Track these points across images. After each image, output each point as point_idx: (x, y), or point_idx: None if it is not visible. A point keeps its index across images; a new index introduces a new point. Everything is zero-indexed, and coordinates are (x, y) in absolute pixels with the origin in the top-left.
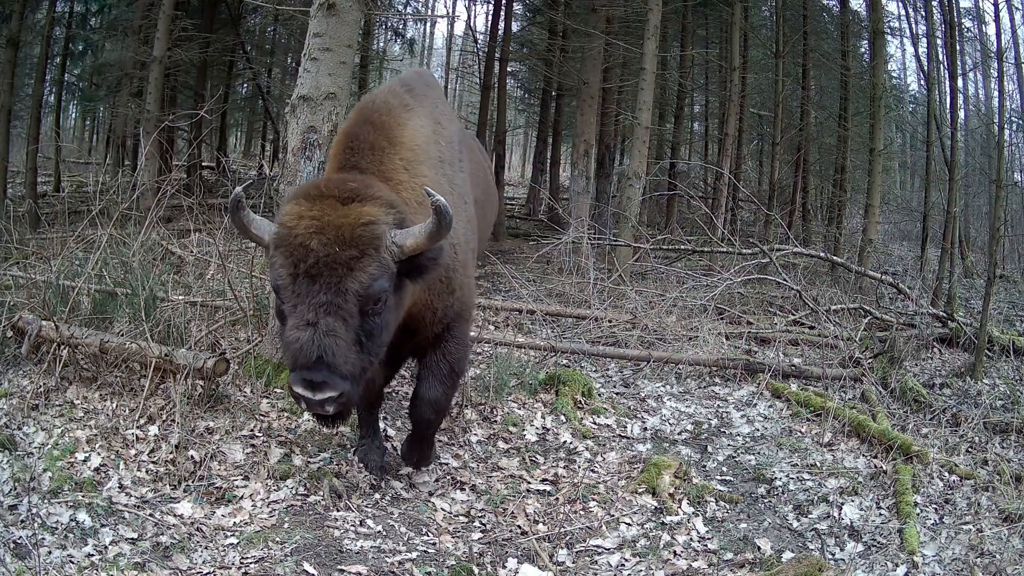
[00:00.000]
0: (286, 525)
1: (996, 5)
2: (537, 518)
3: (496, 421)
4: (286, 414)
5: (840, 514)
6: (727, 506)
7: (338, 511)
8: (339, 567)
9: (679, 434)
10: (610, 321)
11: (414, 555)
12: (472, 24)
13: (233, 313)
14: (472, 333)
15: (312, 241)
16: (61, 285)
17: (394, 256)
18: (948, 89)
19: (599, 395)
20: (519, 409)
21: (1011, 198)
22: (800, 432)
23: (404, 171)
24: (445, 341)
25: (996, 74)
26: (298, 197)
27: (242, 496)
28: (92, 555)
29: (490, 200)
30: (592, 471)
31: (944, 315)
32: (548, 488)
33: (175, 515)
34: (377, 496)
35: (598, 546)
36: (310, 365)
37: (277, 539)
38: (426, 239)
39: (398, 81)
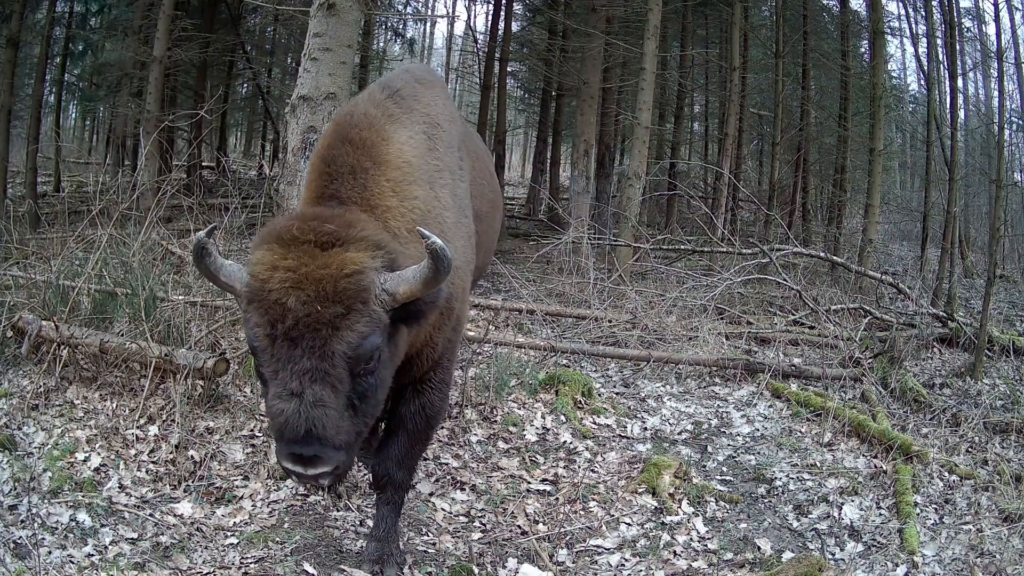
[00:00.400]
0: (286, 525)
1: (996, 5)
2: (537, 518)
3: (496, 421)
4: None
5: (840, 514)
6: (727, 506)
7: (338, 511)
8: (339, 567)
9: (679, 434)
10: (610, 321)
11: (414, 555)
12: (472, 24)
13: (233, 313)
14: (471, 333)
15: (289, 298)
16: (61, 285)
17: (385, 305)
18: (948, 89)
19: (599, 395)
20: (519, 409)
21: (1011, 198)
22: (800, 432)
23: (392, 195)
24: (428, 383)
25: (996, 74)
26: (270, 241)
27: (242, 496)
28: (92, 555)
29: (495, 209)
30: (592, 471)
31: (944, 315)
32: (548, 488)
33: (175, 515)
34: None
35: (598, 546)
36: (299, 440)
37: (277, 539)
38: (421, 285)
39: (379, 86)
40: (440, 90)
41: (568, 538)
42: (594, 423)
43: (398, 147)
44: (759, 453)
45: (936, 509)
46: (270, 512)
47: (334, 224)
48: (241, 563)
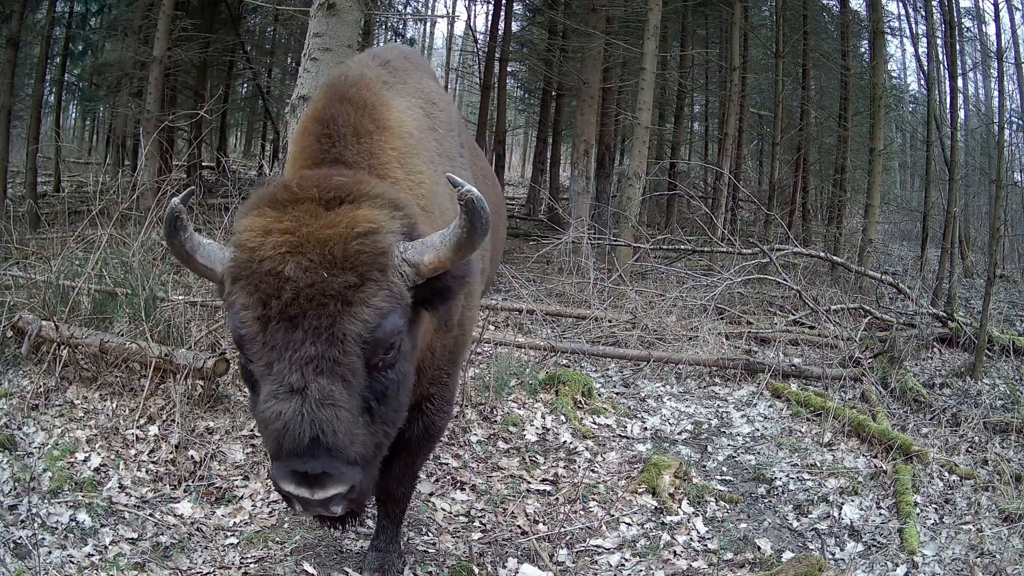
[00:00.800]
0: (286, 525)
1: (996, 5)
2: (537, 518)
3: (496, 421)
4: None
5: (840, 514)
6: (727, 506)
7: None
8: (339, 567)
9: (679, 434)
10: (610, 321)
11: (414, 555)
12: (472, 24)
13: None
14: (472, 333)
15: (287, 266)
16: (61, 285)
17: (407, 279)
18: (948, 89)
19: (599, 395)
20: (519, 409)
21: (1011, 198)
22: (800, 432)
23: (399, 166)
24: (430, 402)
25: (996, 74)
26: (260, 205)
27: (242, 496)
28: (92, 555)
29: (498, 215)
30: (592, 471)
31: (944, 315)
32: (548, 488)
33: (175, 515)
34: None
35: (598, 546)
36: (302, 452)
37: (277, 539)
38: (452, 251)
39: (368, 55)
40: (430, 74)
41: (568, 538)
42: (594, 423)
43: (398, 114)
44: (759, 453)
45: (936, 509)
46: (270, 512)
47: (343, 178)
48: (241, 563)
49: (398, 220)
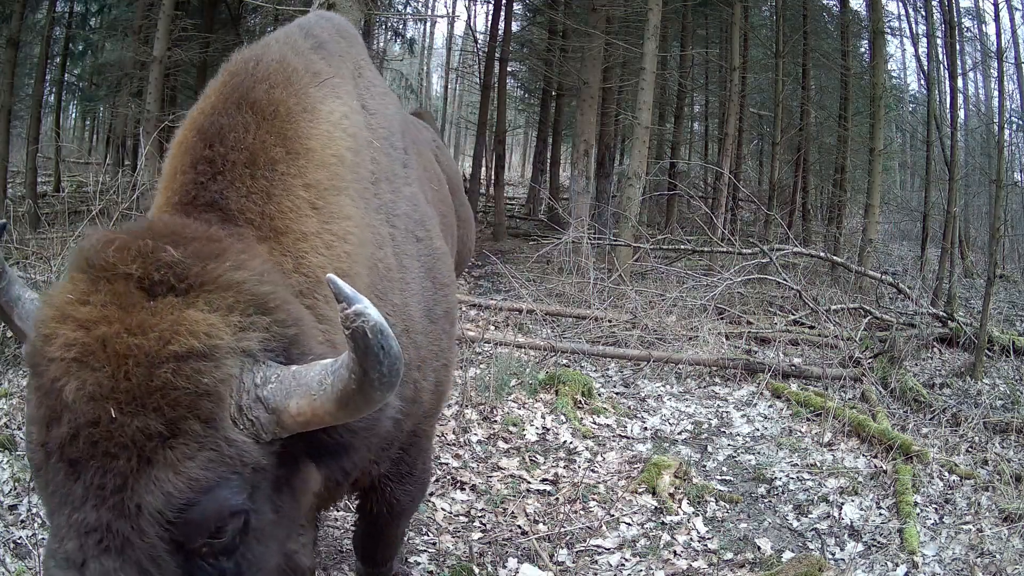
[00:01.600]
0: None
1: (996, 5)
2: (537, 518)
3: (496, 421)
4: None
5: (840, 514)
6: (727, 506)
7: (338, 511)
8: (339, 567)
9: (679, 434)
10: (610, 321)
11: (414, 555)
12: (472, 24)
13: None
14: (472, 333)
15: (68, 383)
16: None
17: (261, 430)
18: (948, 89)
19: (599, 395)
20: (519, 409)
21: (1011, 198)
22: (800, 432)
23: (311, 212)
24: (387, 481)
25: (996, 74)
26: (78, 263)
27: None
28: None
29: (465, 221)
30: (592, 471)
31: (944, 315)
32: (548, 488)
33: None
34: None
35: (598, 546)
36: None
37: None
38: (334, 404)
39: (299, 29)
40: (363, 51)
41: (568, 538)
42: (594, 423)
43: (328, 130)
44: (759, 453)
45: (936, 509)
46: None
47: (185, 249)
48: None
49: (256, 332)
